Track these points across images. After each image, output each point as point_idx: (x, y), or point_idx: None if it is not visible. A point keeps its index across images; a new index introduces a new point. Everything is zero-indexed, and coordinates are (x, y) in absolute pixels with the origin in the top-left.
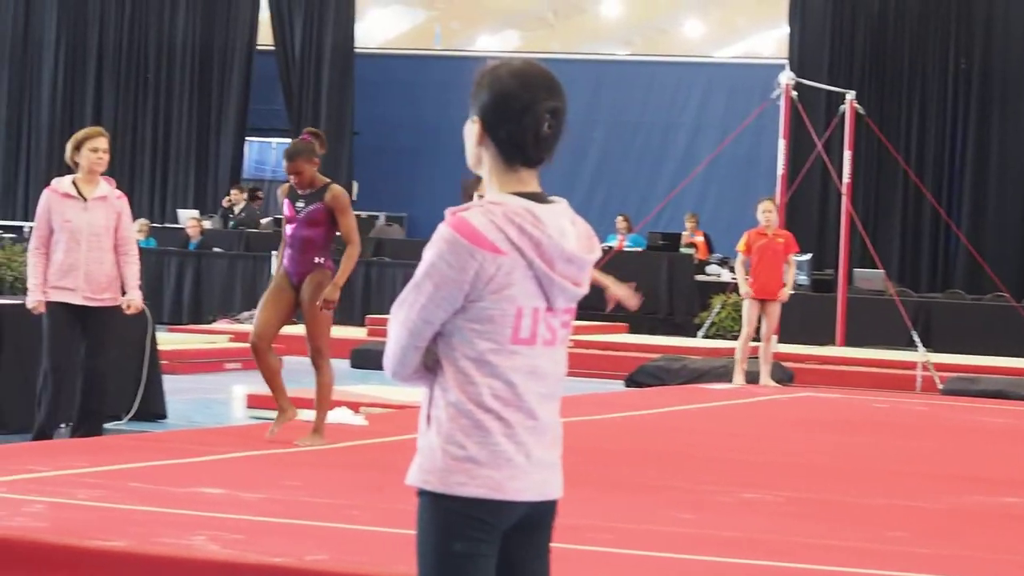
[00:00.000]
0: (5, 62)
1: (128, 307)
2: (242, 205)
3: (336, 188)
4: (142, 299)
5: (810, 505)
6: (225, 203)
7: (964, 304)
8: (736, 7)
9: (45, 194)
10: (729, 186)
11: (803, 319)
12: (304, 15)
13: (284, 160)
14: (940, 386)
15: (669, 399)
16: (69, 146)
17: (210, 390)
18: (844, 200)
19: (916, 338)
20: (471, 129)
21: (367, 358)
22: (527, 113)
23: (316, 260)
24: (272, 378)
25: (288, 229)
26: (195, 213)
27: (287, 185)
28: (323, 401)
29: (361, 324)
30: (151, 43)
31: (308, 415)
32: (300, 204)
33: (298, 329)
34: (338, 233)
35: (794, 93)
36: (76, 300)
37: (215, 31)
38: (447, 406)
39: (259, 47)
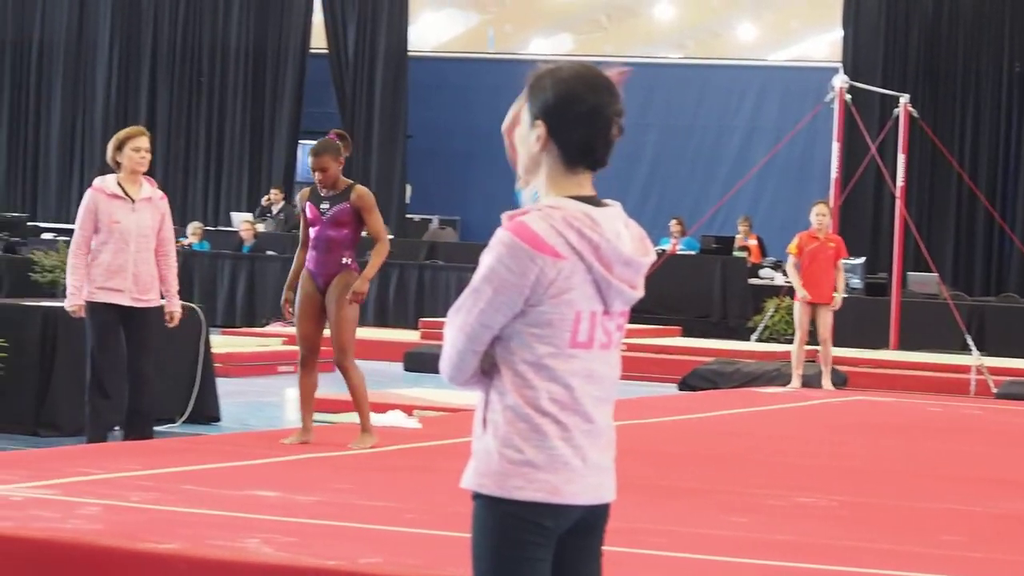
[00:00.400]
0: (60, 64)
1: (171, 319)
2: (280, 205)
3: (361, 188)
4: (180, 307)
5: (863, 509)
6: (264, 202)
7: (1018, 308)
8: (789, 10)
9: (90, 194)
10: (782, 189)
11: (856, 323)
12: (357, 18)
13: (310, 157)
14: (994, 390)
15: (722, 403)
16: (111, 146)
17: (263, 393)
18: (898, 204)
19: (970, 342)
20: (530, 133)
21: (421, 361)
22: (597, 116)
23: (343, 261)
24: (307, 396)
25: (312, 231)
26: (248, 216)
27: (307, 189)
28: (361, 401)
29: (415, 327)
30: (204, 45)
31: (351, 417)
32: (324, 206)
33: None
34: (364, 234)
35: (848, 96)
36: (124, 301)
37: (268, 33)
38: (504, 409)
39: (313, 50)
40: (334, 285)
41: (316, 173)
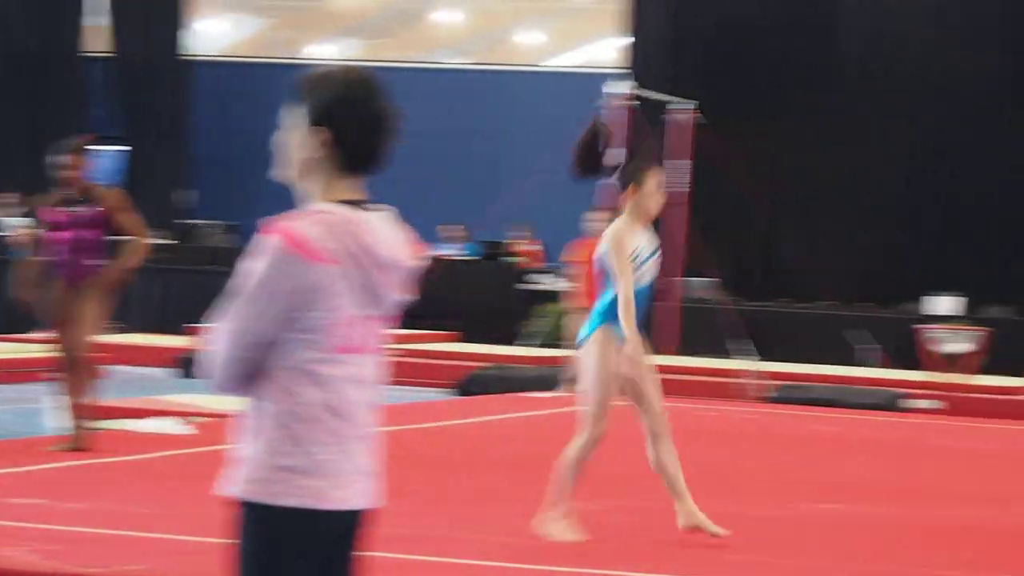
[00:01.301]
0: None
1: None
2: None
3: (109, 189)
4: None
5: (637, 514)
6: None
7: (794, 312)
8: (574, 17)
9: None
10: (565, 196)
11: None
12: (138, 22)
13: (60, 158)
14: (769, 394)
15: (500, 407)
16: None
17: (26, 400)
18: (674, 210)
19: (745, 346)
20: (307, 137)
21: (193, 367)
22: (376, 120)
23: (93, 262)
24: (71, 401)
25: (59, 235)
26: (26, 221)
27: (54, 193)
28: (85, 401)
29: (186, 333)
30: None
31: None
32: (74, 208)
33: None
34: (117, 236)
35: (634, 102)
36: None
37: (47, 36)
38: (271, 415)
39: (92, 53)
40: (86, 286)
41: (67, 176)
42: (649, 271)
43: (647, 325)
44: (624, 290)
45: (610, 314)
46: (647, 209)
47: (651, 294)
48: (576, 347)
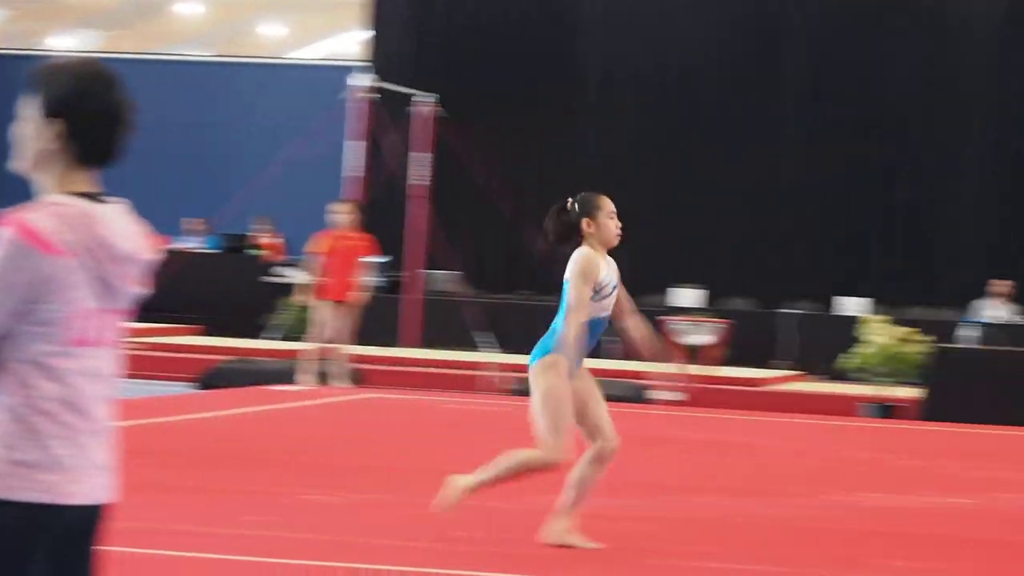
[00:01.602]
0: None
1: None
2: None
3: None
4: None
5: (374, 507)
6: None
7: (532, 305)
8: (317, 10)
9: None
10: (308, 188)
11: (377, 321)
12: None
13: None
14: (509, 386)
15: (241, 401)
16: None
17: None
18: (416, 203)
19: (487, 339)
20: (35, 127)
21: None
22: (112, 112)
23: None
24: None
25: None
26: None
27: None
28: None
29: None
30: None
31: None
32: None
33: None
34: None
35: (376, 95)
36: None
37: None
38: (7, 409)
39: None
40: None
41: None
42: (611, 301)
43: (586, 349)
44: (575, 318)
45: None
46: (607, 239)
47: (605, 325)
48: (528, 365)
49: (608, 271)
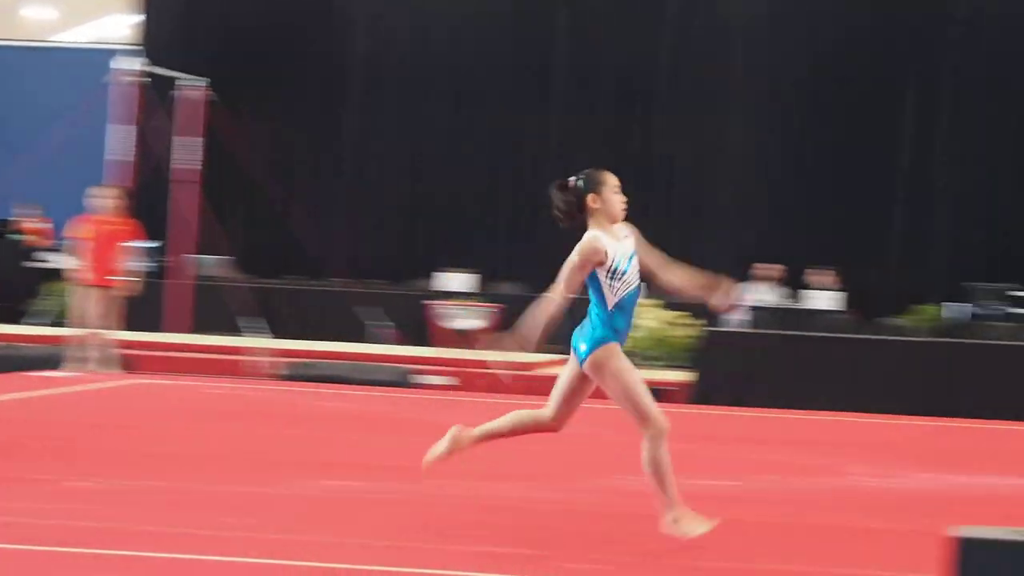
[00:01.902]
0: None
1: None
2: None
3: None
4: None
5: (140, 493)
6: None
7: (306, 290)
8: None
9: None
10: (74, 172)
11: (146, 306)
12: None
13: None
14: (278, 371)
15: (3, 387)
16: None
17: None
18: (185, 187)
19: (257, 324)
20: None
21: None
22: None
23: None
24: None
25: None
26: None
27: None
28: None
29: None
30: None
31: None
32: None
33: None
34: None
35: (145, 79)
36: None
37: None
38: None
39: None
40: None
41: None
42: (634, 273)
43: (630, 325)
44: (556, 296)
45: (606, 325)
46: (613, 214)
47: (638, 295)
48: (580, 363)
49: (617, 245)
